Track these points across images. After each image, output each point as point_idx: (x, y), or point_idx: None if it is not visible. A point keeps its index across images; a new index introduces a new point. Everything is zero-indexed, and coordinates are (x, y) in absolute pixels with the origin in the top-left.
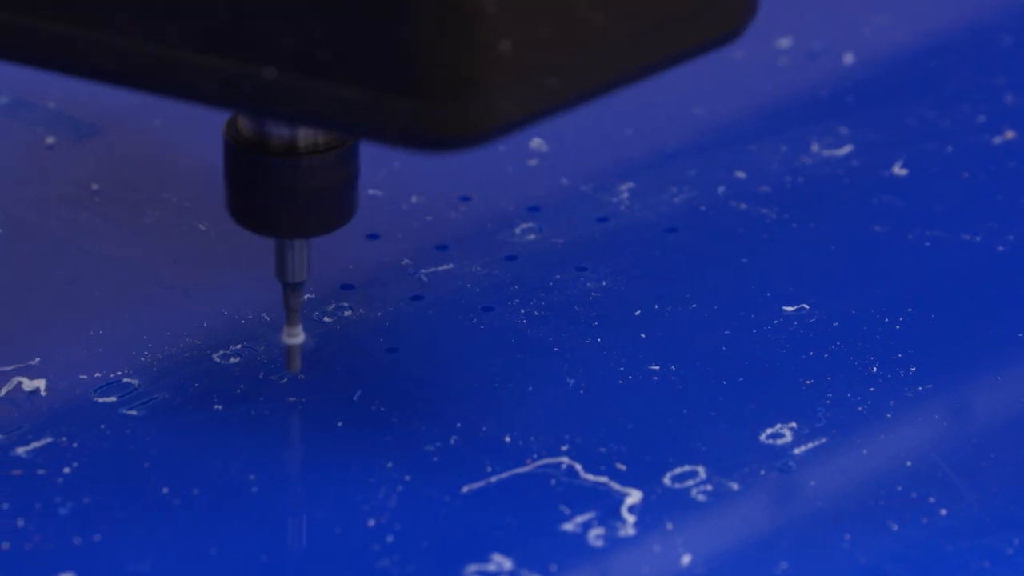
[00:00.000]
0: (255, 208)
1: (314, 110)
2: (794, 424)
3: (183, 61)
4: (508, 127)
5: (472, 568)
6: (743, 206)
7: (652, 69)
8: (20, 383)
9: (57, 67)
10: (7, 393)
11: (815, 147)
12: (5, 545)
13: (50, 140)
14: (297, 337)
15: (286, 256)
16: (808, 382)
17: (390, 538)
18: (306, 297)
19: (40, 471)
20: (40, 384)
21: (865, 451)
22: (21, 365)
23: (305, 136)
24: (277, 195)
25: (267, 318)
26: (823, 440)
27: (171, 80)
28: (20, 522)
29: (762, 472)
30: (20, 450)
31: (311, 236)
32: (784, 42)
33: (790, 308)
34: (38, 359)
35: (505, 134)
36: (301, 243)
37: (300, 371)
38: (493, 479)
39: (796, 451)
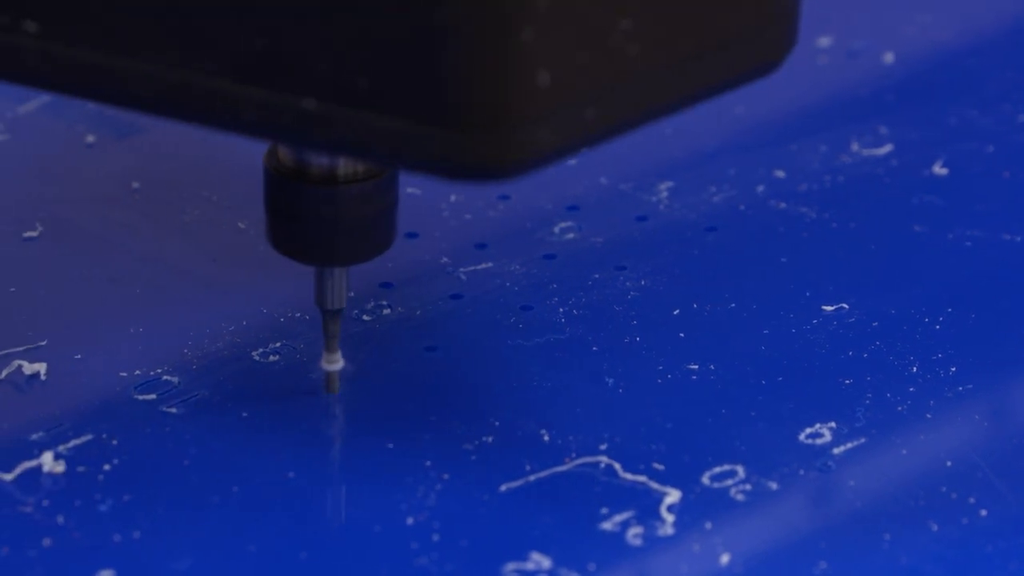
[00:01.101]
0: (295, 236)
1: (352, 140)
2: (833, 424)
3: (223, 91)
4: (545, 158)
5: (511, 566)
6: (783, 205)
7: (690, 100)
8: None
9: (96, 96)
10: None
11: (855, 146)
12: (46, 542)
13: (90, 139)
14: (336, 364)
15: (325, 284)
16: (847, 382)
17: (429, 536)
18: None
19: (80, 468)
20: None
21: (905, 451)
22: (62, 362)
23: (344, 165)
24: (316, 224)
25: (306, 317)
26: (862, 440)
27: (211, 110)
28: (60, 519)
29: (801, 472)
30: (61, 447)
31: (350, 264)
32: (824, 41)
33: (829, 307)
34: (79, 356)
35: (542, 166)
36: (340, 271)
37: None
38: (532, 478)
39: (835, 451)
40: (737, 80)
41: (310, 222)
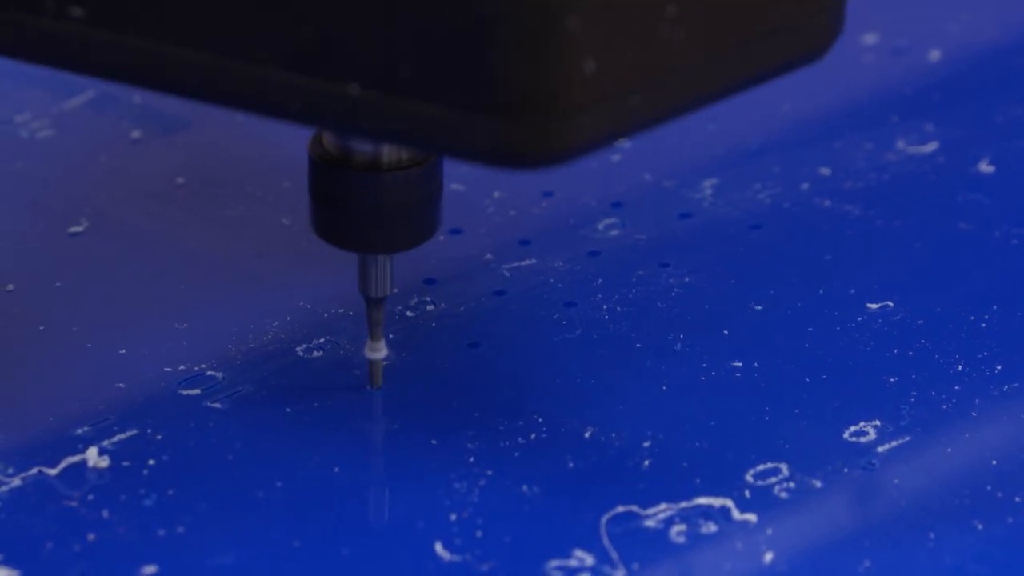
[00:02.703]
0: (339, 224)
1: (396, 128)
2: (878, 422)
3: (268, 79)
4: (590, 146)
5: (554, 563)
6: (827, 203)
7: (735, 88)
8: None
9: (141, 83)
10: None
11: (901, 144)
12: (91, 537)
13: (136, 134)
14: (380, 352)
15: (369, 271)
16: (892, 380)
17: (472, 533)
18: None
19: (124, 463)
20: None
21: (950, 450)
22: (107, 357)
23: (389, 152)
24: (360, 211)
25: (350, 312)
26: (907, 438)
27: (256, 98)
28: (105, 514)
29: (845, 470)
30: (105, 442)
31: (394, 252)
32: (870, 38)
33: (874, 305)
34: (123, 351)
35: (586, 153)
36: (384, 258)
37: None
38: (574, 474)
39: (880, 449)
40: (781, 68)
41: (354, 209)
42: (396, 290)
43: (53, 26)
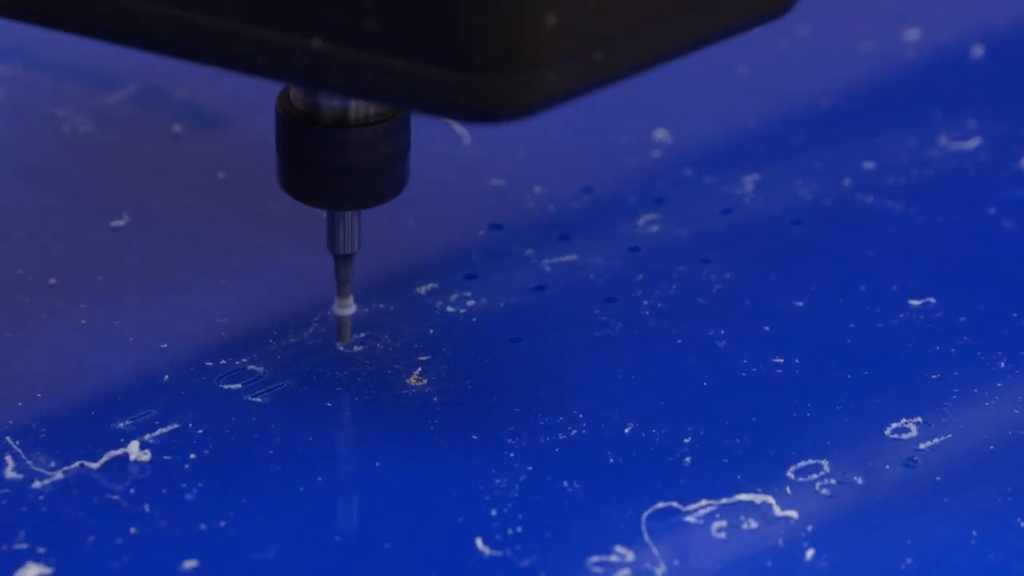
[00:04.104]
0: (306, 180)
1: (362, 82)
2: (920, 419)
3: (234, 32)
4: (554, 100)
5: (594, 559)
6: (869, 199)
7: (699, 43)
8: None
9: (112, 38)
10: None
11: (943, 140)
12: (132, 530)
13: (177, 129)
14: (348, 309)
15: (337, 228)
16: (934, 376)
17: (512, 528)
18: (429, 287)
19: (166, 457)
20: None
21: (992, 447)
22: (149, 352)
23: (356, 108)
24: (328, 167)
25: (391, 308)
26: (949, 435)
27: (223, 51)
28: (146, 508)
29: (887, 467)
30: (147, 436)
31: (361, 208)
32: (912, 34)
33: (916, 302)
34: (165, 345)
35: (551, 107)
36: (352, 215)
37: (351, 344)
38: (615, 470)
39: (922, 446)
40: (745, 24)
41: (321, 165)
42: (435, 285)
43: None
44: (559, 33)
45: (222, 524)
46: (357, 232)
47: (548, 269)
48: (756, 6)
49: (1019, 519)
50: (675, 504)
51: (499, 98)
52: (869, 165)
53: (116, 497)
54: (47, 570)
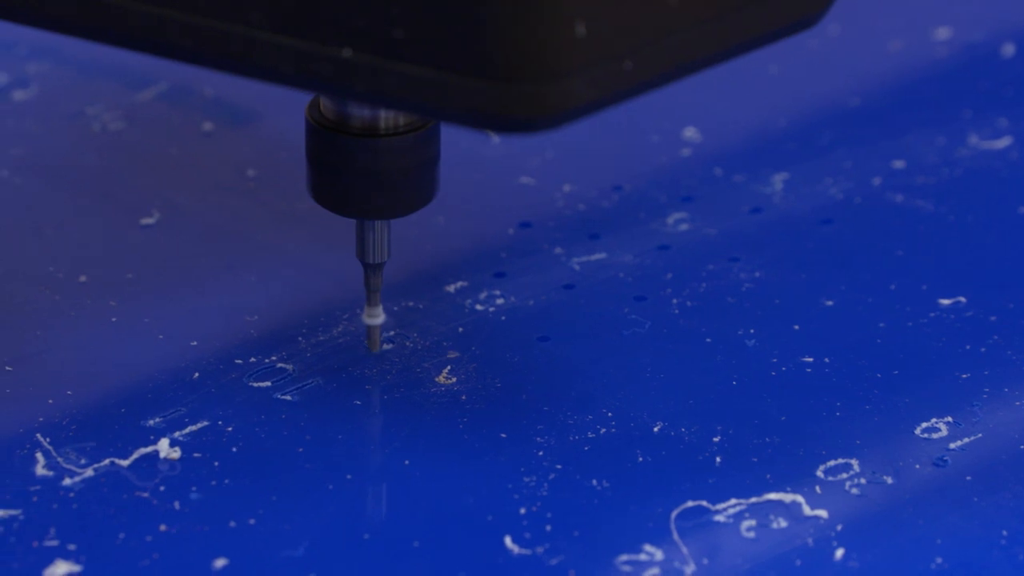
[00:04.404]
0: (336, 189)
1: (389, 91)
2: (950, 418)
3: (262, 41)
4: (583, 110)
5: (623, 558)
6: (899, 198)
7: (728, 53)
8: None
9: (140, 47)
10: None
11: (973, 139)
12: (162, 527)
13: (208, 126)
14: (377, 318)
15: (367, 237)
16: (964, 376)
17: (541, 526)
18: (459, 285)
19: (196, 455)
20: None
21: (1022, 446)
22: (178, 349)
23: (386, 118)
24: (357, 176)
25: (420, 306)
26: (979, 435)
27: (251, 61)
28: (176, 505)
29: (917, 466)
30: (176, 434)
31: (391, 217)
32: (943, 33)
33: (946, 301)
34: (194, 343)
35: (579, 117)
36: (382, 224)
37: (378, 351)
38: (644, 469)
39: (952, 446)
40: (775, 34)
41: (351, 175)
42: (465, 283)
43: None
44: (588, 43)
45: (252, 522)
46: (387, 241)
47: (577, 267)
48: (786, 16)
49: None
50: (704, 503)
51: (527, 108)
52: (899, 164)
53: (146, 494)
54: (76, 567)
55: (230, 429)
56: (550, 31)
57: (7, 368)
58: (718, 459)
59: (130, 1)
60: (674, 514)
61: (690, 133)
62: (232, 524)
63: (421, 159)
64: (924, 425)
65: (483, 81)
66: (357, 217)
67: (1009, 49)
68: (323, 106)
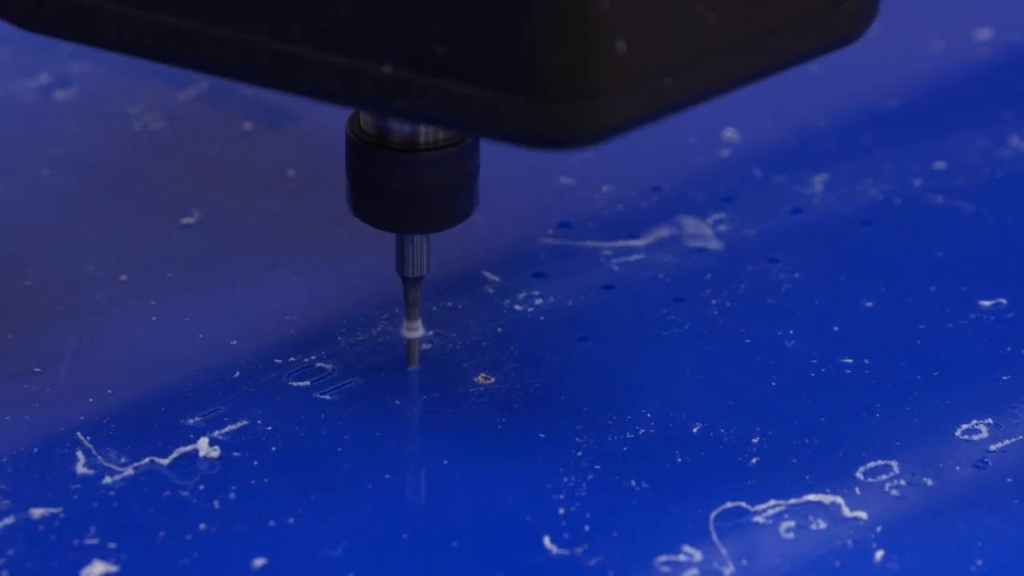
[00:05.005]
0: (376, 203)
1: (429, 108)
2: (990, 420)
3: (305, 58)
4: (623, 127)
5: (662, 559)
6: (940, 199)
7: (768, 71)
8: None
9: (182, 63)
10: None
11: (1014, 140)
12: (202, 526)
13: (247, 126)
14: (416, 332)
15: (406, 251)
16: (1005, 378)
17: (580, 527)
18: (497, 285)
19: (235, 454)
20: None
21: None
22: (218, 348)
23: (425, 132)
24: (397, 191)
25: (459, 306)
26: (1020, 437)
27: (293, 76)
28: (216, 504)
29: (957, 468)
30: (216, 433)
31: (430, 232)
32: (984, 33)
33: (987, 302)
34: (234, 342)
35: (619, 134)
36: (421, 238)
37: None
38: (683, 470)
39: (992, 447)
40: (813, 52)
41: (391, 189)
42: (498, 278)
43: (88, 3)
44: (629, 60)
45: (291, 521)
46: (426, 255)
47: (616, 268)
48: (826, 34)
49: None
50: (743, 504)
51: (567, 125)
52: (939, 165)
53: (186, 493)
54: (113, 568)
55: (269, 428)
56: (591, 49)
57: (48, 367)
58: (757, 460)
59: (172, 18)
60: (713, 515)
61: (729, 134)
62: (271, 523)
63: (460, 174)
64: (964, 427)
65: (523, 98)
66: (396, 232)
67: None
68: (363, 121)
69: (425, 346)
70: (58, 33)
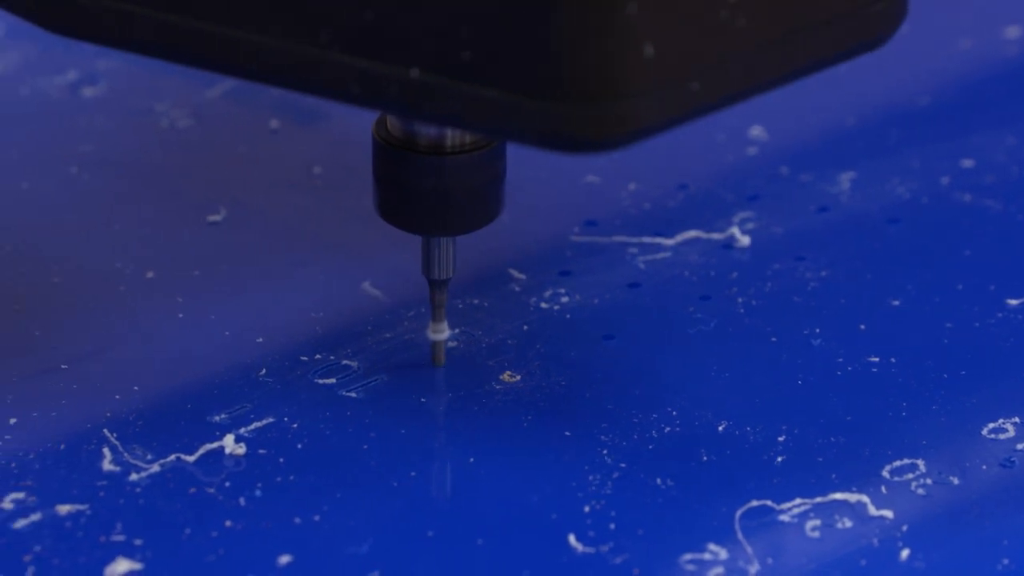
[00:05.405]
0: (402, 206)
1: (456, 111)
2: (1017, 419)
3: (331, 61)
4: (650, 131)
5: (687, 557)
6: (967, 197)
7: (796, 74)
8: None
9: (210, 66)
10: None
11: None
12: (228, 523)
13: (274, 124)
14: (442, 333)
15: (432, 253)
16: None
17: (605, 525)
18: (523, 283)
19: (261, 451)
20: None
21: None
22: (244, 346)
23: (452, 136)
24: (424, 193)
25: (485, 304)
26: None
27: (320, 80)
28: (241, 501)
29: (983, 467)
30: (242, 430)
31: (456, 234)
32: (1012, 31)
33: (1014, 301)
34: (260, 339)
35: (645, 138)
36: (447, 241)
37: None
38: (709, 468)
39: (1019, 447)
40: (841, 55)
41: (418, 192)
42: (524, 275)
43: (118, 6)
44: (656, 64)
45: (316, 518)
46: (452, 258)
47: (642, 266)
48: (853, 37)
49: None
50: (769, 503)
51: (594, 129)
52: (967, 163)
53: (211, 490)
54: (137, 565)
55: (295, 426)
56: (618, 52)
57: (75, 364)
58: (783, 458)
59: (200, 22)
60: (739, 513)
61: (756, 132)
62: (297, 520)
63: (487, 177)
64: (991, 426)
65: (550, 102)
66: (423, 234)
67: None
68: (390, 124)
69: (451, 344)
70: (87, 37)
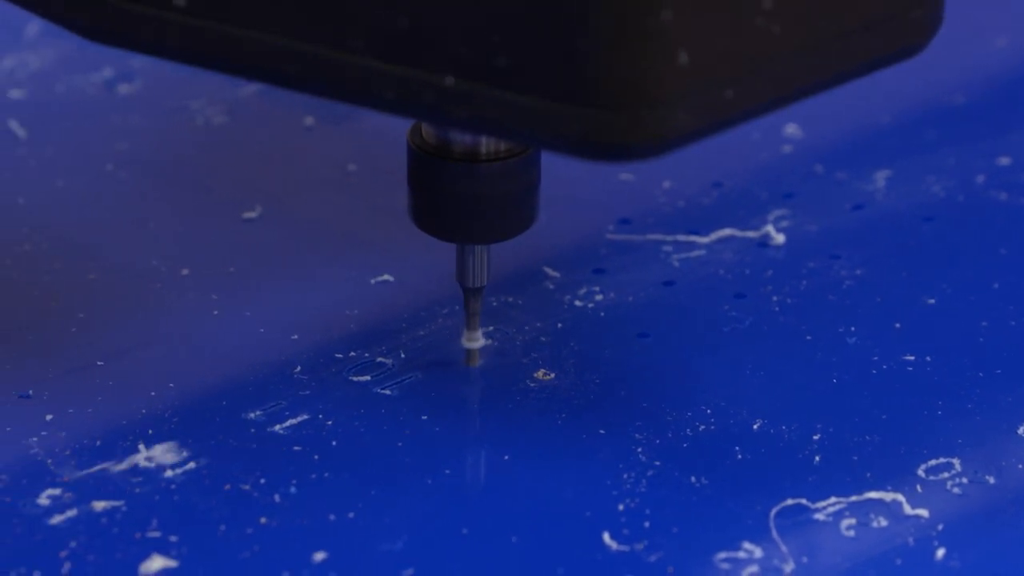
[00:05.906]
0: (436, 213)
1: (490, 118)
2: None
3: (365, 68)
4: (684, 139)
5: (722, 555)
6: (1003, 196)
7: (831, 82)
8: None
9: (244, 73)
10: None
11: None
12: (263, 520)
13: (309, 121)
14: (476, 342)
15: (467, 261)
16: None
17: (640, 523)
18: (557, 281)
19: (296, 448)
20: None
21: None
22: (279, 343)
23: (487, 143)
24: (458, 201)
25: (519, 302)
26: None
27: (353, 87)
28: (276, 498)
29: (1020, 466)
30: (277, 427)
31: (491, 242)
32: None
33: None
34: (295, 336)
35: (680, 146)
36: (482, 248)
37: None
38: (743, 466)
39: None
40: (878, 62)
41: (452, 199)
42: (558, 273)
43: (153, 13)
44: (691, 71)
45: (351, 515)
46: (487, 265)
47: (677, 264)
48: (890, 44)
49: None
50: (804, 501)
51: (628, 137)
52: (1004, 161)
53: (246, 487)
54: (172, 562)
55: (330, 423)
56: (653, 60)
57: (110, 361)
58: (818, 457)
59: (234, 29)
60: (773, 512)
61: (791, 130)
62: (331, 517)
63: (522, 185)
64: None
65: (585, 109)
66: (457, 242)
67: None
68: (424, 131)
69: (485, 341)
70: (122, 44)
